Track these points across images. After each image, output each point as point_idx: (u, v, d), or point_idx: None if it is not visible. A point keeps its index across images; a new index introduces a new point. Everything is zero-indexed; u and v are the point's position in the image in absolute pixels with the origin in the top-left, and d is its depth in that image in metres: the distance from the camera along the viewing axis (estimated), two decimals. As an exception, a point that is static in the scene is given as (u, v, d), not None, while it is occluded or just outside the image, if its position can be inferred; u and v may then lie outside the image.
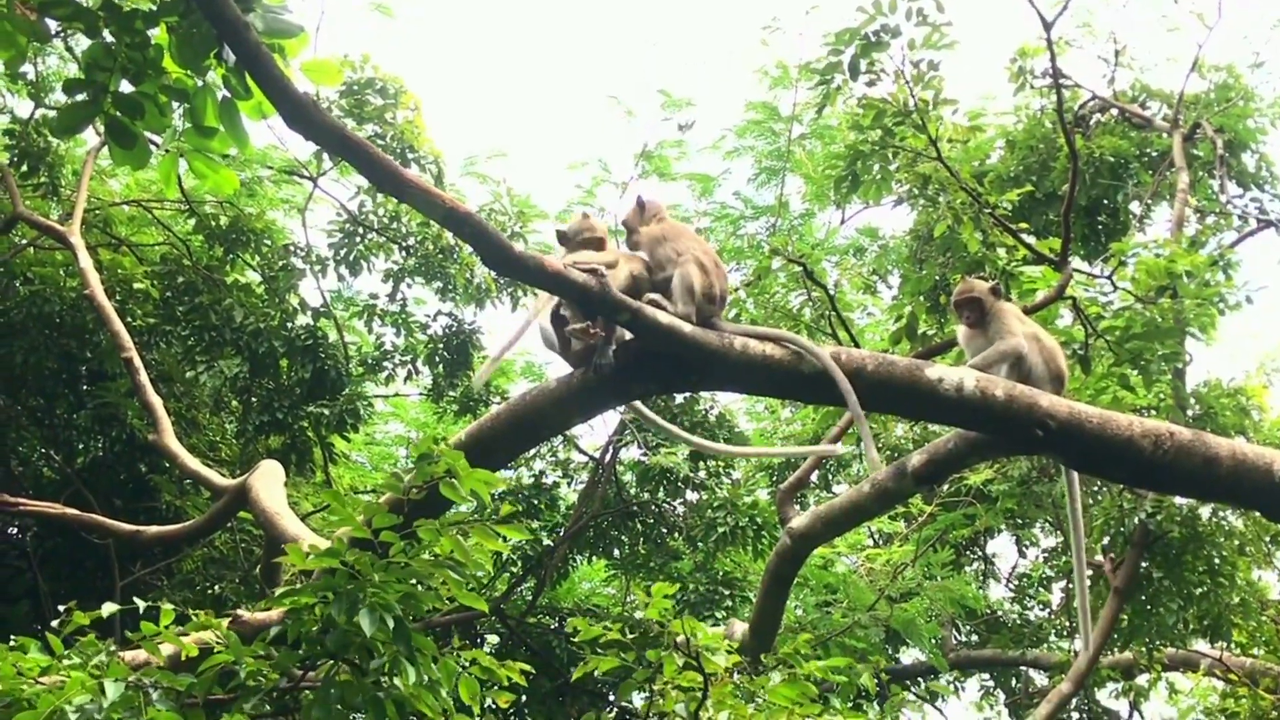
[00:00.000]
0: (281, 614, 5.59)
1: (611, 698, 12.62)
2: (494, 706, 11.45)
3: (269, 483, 7.84)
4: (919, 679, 15.99)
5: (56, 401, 12.43)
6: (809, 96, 11.21)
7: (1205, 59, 12.71)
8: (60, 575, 12.04)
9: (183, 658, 4.84)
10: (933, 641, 13.15)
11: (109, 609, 4.87)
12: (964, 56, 7.87)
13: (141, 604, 4.91)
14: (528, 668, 5.24)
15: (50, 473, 12.57)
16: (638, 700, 5.80)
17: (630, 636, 5.62)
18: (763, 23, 13.07)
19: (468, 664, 5.03)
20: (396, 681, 4.63)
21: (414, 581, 4.70)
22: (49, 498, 10.73)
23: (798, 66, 13.04)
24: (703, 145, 14.75)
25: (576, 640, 5.73)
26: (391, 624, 4.52)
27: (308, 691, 4.84)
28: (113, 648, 4.75)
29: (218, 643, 4.73)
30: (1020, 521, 13.96)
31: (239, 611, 6.08)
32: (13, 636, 4.88)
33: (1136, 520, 10.36)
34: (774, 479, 13.88)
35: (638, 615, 5.57)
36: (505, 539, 4.89)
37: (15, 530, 12.70)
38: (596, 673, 5.72)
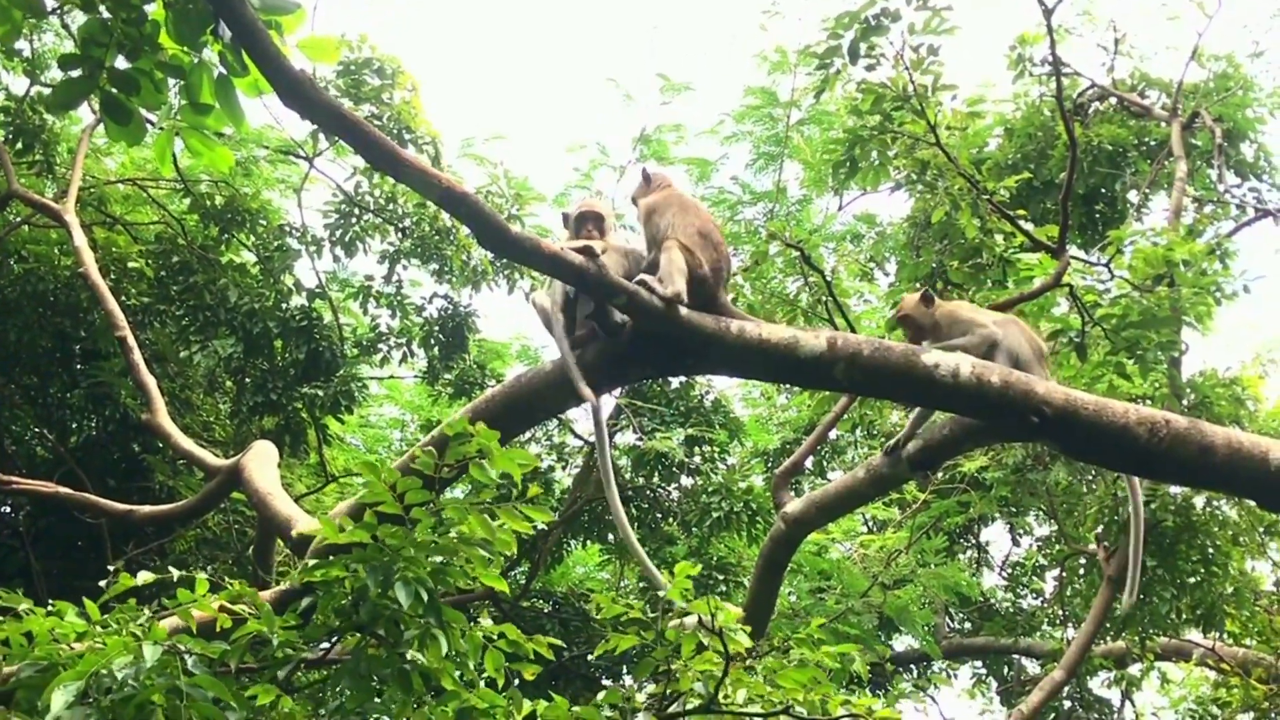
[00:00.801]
0: (275, 594, 5.58)
1: (606, 682, 12.63)
2: (519, 680, 11.55)
3: (262, 463, 7.82)
4: (912, 666, 16.01)
5: (50, 380, 12.41)
6: (808, 82, 11.19)
7: (1205, 48, 12.70)
8: (53, 554, 12.03)
9: (217, 628, 4.85)
10: (926, 628, 13.16)
11: (145, 577, 4.90)
12: (963, 43, 7.83)
13: (176, 573, 4.93)
14: (558, 642, 5.24)
15: (43, 452, 12.55)
16: (649, 686, 5.73)
17: (652, 615, 5.58)
18: (762, 7, 13.01)
19: (494, 637, 5.04)
20: (422, 655, 4.67)
21: (441, 559, 4.73)
22: (42, 477, 10.71)
23: (797, 51, 13.02)
24: (701, 130, 14.73)
25: (600, 617, 5.69)
26: (425, 597, 4.56)
27: (331, 666, 4.88)
28: (150, 614, 4.74)
29: (250, 613, 4.74)
30: (1014, 509, 13.97)
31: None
32: (50, 601, 4.88)
33: (1131, 509, 10.35)
34: (769, 464, 13.88)
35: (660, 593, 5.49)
36: (531, 520, 4.90)
37: (8, 509, 12.68)
38: (616, 651, 5.67)
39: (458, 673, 4.83)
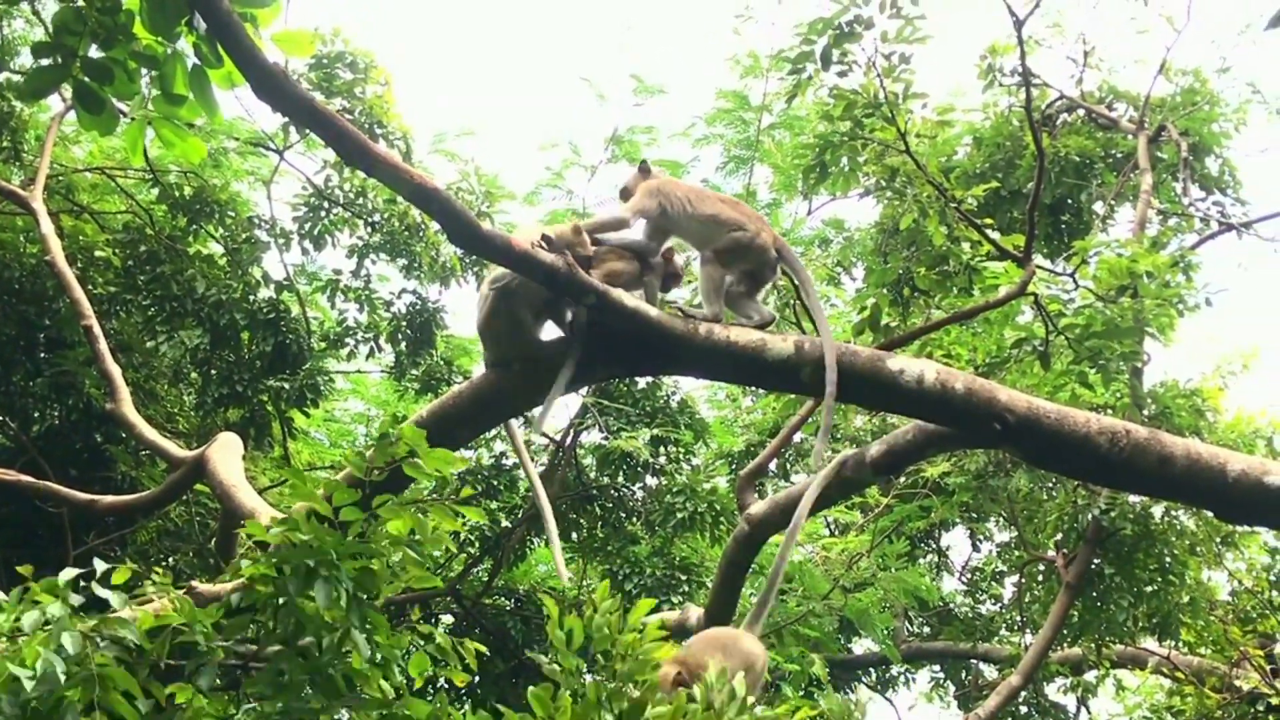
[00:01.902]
0: (236, 586, 5.57)
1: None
2: (448, 686, 11.53)
3: (227, 455, 7.81)
4: (870, 669, 16.10)
5: (13, 368, 12.31)
6: (780, 86, 11.24)
7: (1172, 62, 12.84)
8: (13, 543, 11.92)
9: (140, 625, 4.78)
10: (886, 632, 13.24)
11: (67, 575, 4.81)
12: (935, 51, 7.88)
13: (101, 565, 4.85)
14: (482, 649, 5.21)
15: (5, 440, 12.45)
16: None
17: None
18: (735, 11, 13.07)
19: (422, 640, 5.00)
20: (347, 658, 4.60)
21: (370, 559, 4.66)
22: (3, 465, 10.61)
23: (769, 56, 13.08)
24: (673, 132, 14.79)
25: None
26: (344, 598, 4.48)
27: (258, 664, 4.80)
28: (68, 605, 4.66)
29: (172, 609, 4.68)
30: (975, 515, 14.07)
31: (194, 583, 6.05)
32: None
33: (1090, 517, 10.46)
34: (733, 466, 13.93)
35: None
36: (463, 519, 4.88)
37: (-32, 496, 12.59)
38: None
39: (385, 678, 4.76)
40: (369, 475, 4.74)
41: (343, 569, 4.52)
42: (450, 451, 4.85)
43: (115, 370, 9.39)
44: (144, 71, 5.59)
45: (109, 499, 9.26)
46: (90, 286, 11.60)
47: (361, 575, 4.59)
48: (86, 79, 5.32)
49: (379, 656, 4.61)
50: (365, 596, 4.61)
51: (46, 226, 10.44)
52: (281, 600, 4.56)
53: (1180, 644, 11.67)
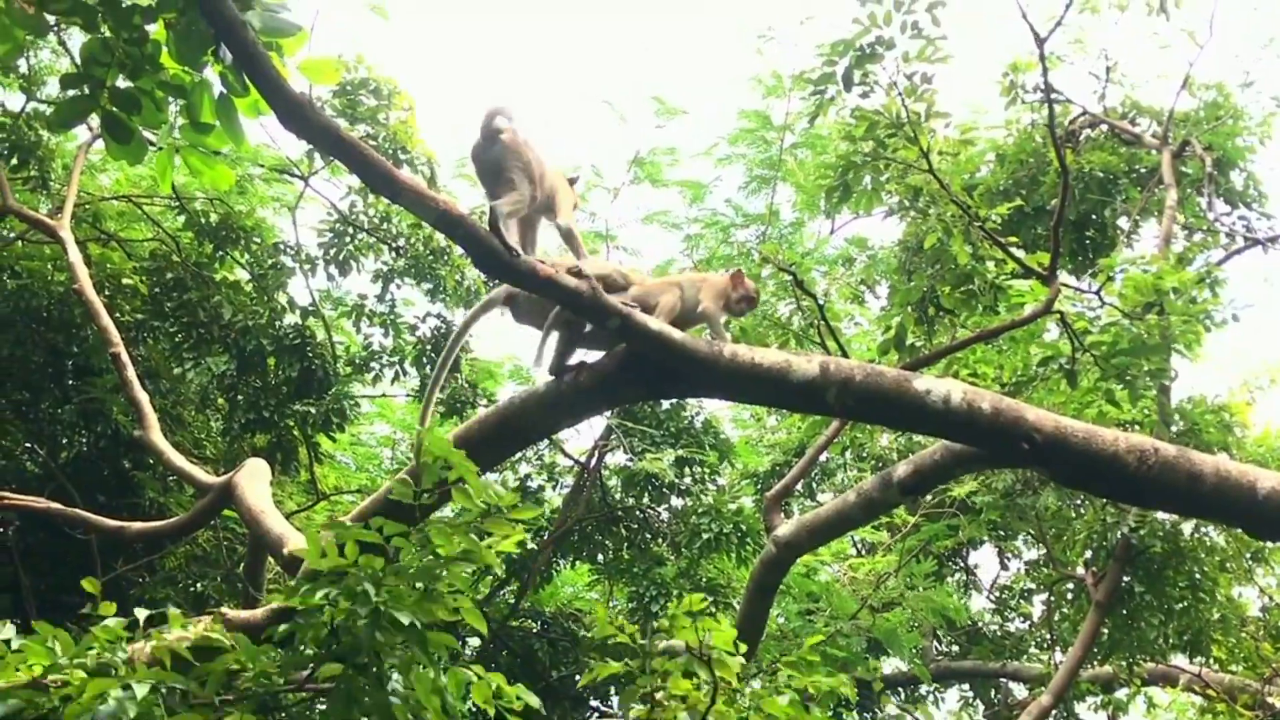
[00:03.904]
0: (267, 612, 5.58)
1: (594, 703, 12.63)
2: (475, 709, 11.51)
3: (254, 481, 7.83)
4: (900, 689, 16.03)
5: (42, 396, 12.39)
6: (802, 106, 11.25)
7: (1195, 77, 12.80)
8: (43, 570, 12.00)
9: (192, 658, 4.80)
10: (914, 651, 13.19)
11: (114, 619, 4.84)
12: (956, 70, 7.88)
13: (142, 613, 4.87)
14: (532, 701, 5.17)
15: (34, 467, 12.52)
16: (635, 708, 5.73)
17: (640, 643, 5.61)
18: (758, 32, 13.10)
19: (478, 676, 4.99)
20: (400, 685, 4.60)
21: (423, 586, 4.67)
22: (32, 492, 10.67)
23: (791, 76, 13.10)
24: (695, 152, 14.80)
25: (592, 636, 5.70)
26: (406, 625, 4.50)
27: (310, 694, 4.80)
28: (127, 646, 4.69)
29: (227, 643, 4.70)
30: (1003, 534, 14.01)
31: (223, 609, 6.07)
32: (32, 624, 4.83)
33: (1119, 534, 10.41)
34: (759, 486, 13.91)
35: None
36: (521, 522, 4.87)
37: (-2, 524, 12.66)
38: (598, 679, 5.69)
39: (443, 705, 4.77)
40: (419, 500, 4.74)
41: (403, 596, 4.52)
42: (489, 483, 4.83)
43: (143, 397, 9.43)
44: (171, 101, 5.63)
45: (137, 525, 9.28)
46: (117, 314, 11.68)
47: (419, 603, 4.59)
48: (115, 109, 5.36)
49: (430, 686, 4.61)
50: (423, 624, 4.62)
51: (74, 255, 10.52)
52: (336, 626, 4.57)
53: (1211, 661, 11.60)
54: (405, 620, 4.48)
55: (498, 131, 6.08)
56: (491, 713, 5.07)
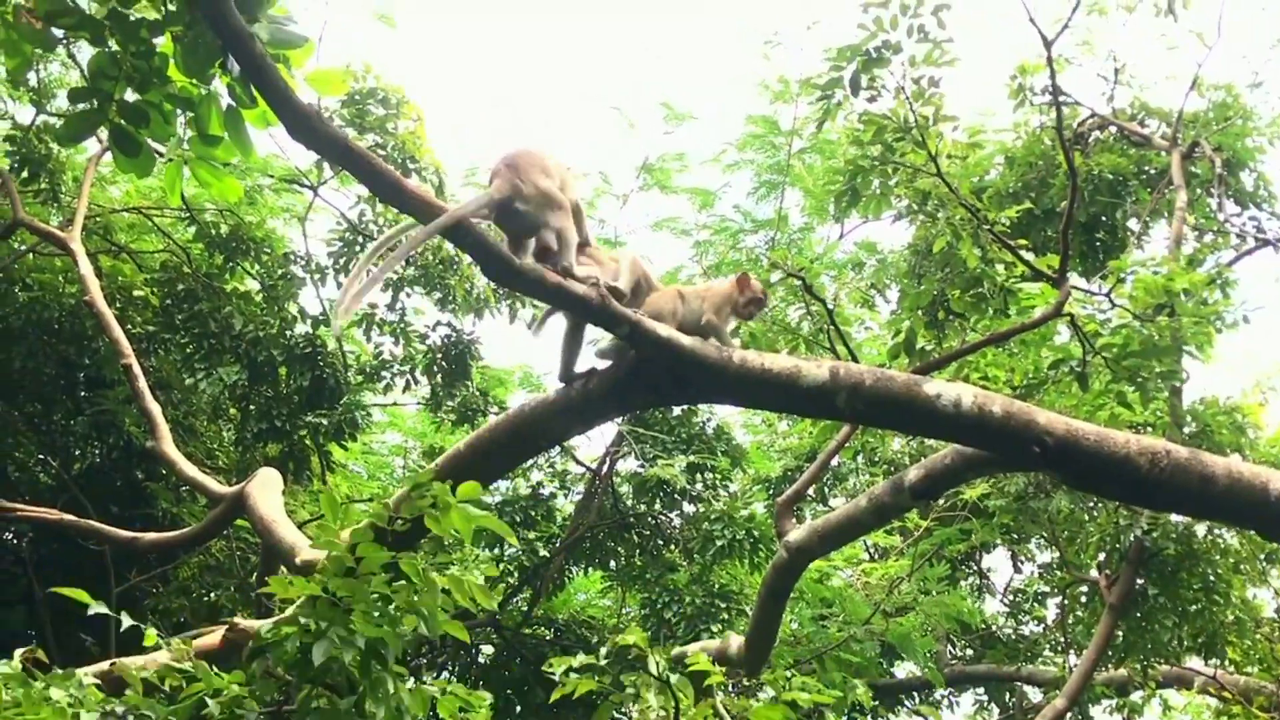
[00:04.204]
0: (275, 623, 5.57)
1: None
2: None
3: (266, 490, 7.85)
4: (914, 693, 16.00)
5: (54, 407, 12.44)
6: (809, 111, 11.25)
7: (1204, 78, 12.77)
8: (56, 581, 11.93)
9: (166, 685, 4.77)
10: (928, 656, 13.16)
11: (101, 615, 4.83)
12: (964, 73, 7.88)
13: (128, 620, 4.86)
14: (487, 698, 5.20)
15: (47, 479, 12.57)
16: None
17: (605, 661, 5.64)
18: (764, 37, 13.10)
19: (440, 691, 4.97)
20: (378, 708, 4.57)
21: (395, 610, 4.64)
22: (46, 504, 10.73)
23: (798, 81, 13.09)
24: (703, 158, 14.80)
25: (547, 670, 5.74)
26: (351, 654, 4.47)
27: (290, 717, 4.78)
28: (89, 678, 4.65)
29: (194, 668, 4.67)
30: (1016, 537, 13.98)
31: (236, 619, 6.08)
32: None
33: (1132, 537, 10.38)
34: (771, 491, 13.91)
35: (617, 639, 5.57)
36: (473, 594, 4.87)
37: (11, 536, 12.70)
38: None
39: None
40: (391, 525, 4.73)
41: (357, 629, 4.51)
42: (474, 508, 4.79)
43: (155, 408, 9.46)
44: (179, 113, 5.65)
45: (150, 536, 9.32)
46: (129, 325, 11.72)
47: (381, 631, 4.57)
48: (123, 122, 5.38)
49: (397, 709, 4.59)
50: (393, 646, 4.60)
51: (85, 267, 10.55)
52: (297, 655, 4.56)
53: (1226, 663, 11.56)
54: (365, 639, 4.47)
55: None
56: None
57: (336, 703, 4.55)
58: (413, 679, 4.90)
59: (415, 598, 4.64)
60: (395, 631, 4.61)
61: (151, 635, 4.80)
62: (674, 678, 5.51)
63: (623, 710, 5.72)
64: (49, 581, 11.92)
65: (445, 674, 13.35)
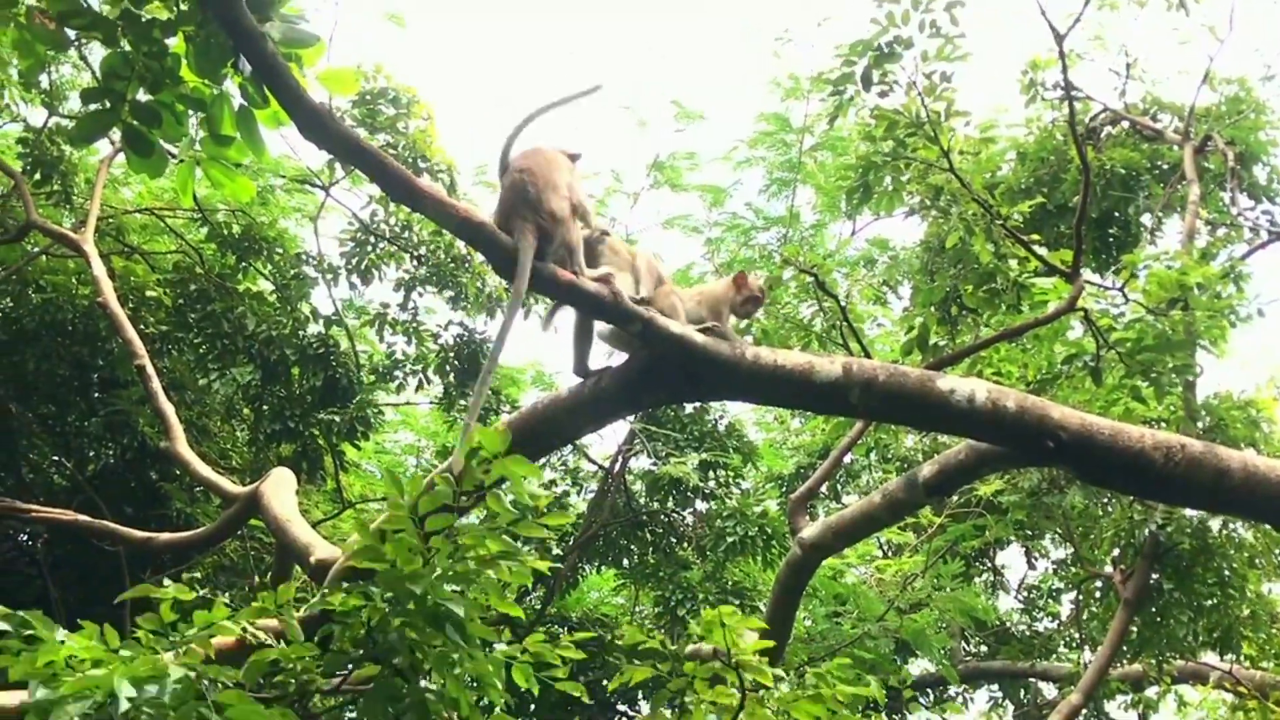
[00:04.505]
0: (315, 614, 5.54)
1: (621, 708, 12.62)
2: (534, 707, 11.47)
3: (280, 490, 7.85)
4: (928, 690, 15.98)
5: (68, 408, 12.47)
6: (821, 108, 11.23)
7: (1217, 72, 12.74)
8: (71, 582, 12.08)
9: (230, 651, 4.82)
10: (942, 652, 13.14)
11: (167, 592, 4.86)
12: (976, 68, 7.86)
13: (196, 592, 4.89)
14: (575, 653, 5.17)
15: (61, 480, 12.60)
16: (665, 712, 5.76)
17: (671, 648, 5.63)
18: (775, 34, 13.09)
19: (518, 655, 4.98)
20: (432, 684, 4.58)
21: (458, 587, 4.63)
22: (60, 505, 10.75)
23: (810, 78, 13.08)
24: (714, 156, 14.78)
25: (623, 643, 5.71)
26: (445, 622, 4.48)
27: (350, 693, 4.83)
28: (169, 641, 4.69)
29: (265, 640, 4.70)
30: (1030, 533, 13.96)
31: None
32: (78, 620, 4.84)
33: (1147, 532, 10.36)
34: (783, 489, 13.89)
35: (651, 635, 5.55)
36: (550, 528, 4.85)
37: (26, 537, 12.73)
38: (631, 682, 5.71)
39: (478, 698, 4.78)
40: (457, 501, 4.72)
41: (440, 594, 4.52)
42: (530, 471, 4.78)
43: (169, 408, 9.47)
44: (191, 113, 5.66)
45: (165, 536, 9.32)
46: (142, 326, 11.74)
47: (454, 601, 4.58)
48: (135, 123, 5.39)
49: (473, 677, 4.61)
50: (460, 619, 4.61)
51: (98, 268, 10.57)
52: (372, 626, 4.57)
53: (1242, 658, 11.53)
54: (459, 610, 4.46)
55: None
56: (536, 691, 5.07)
57: (411, 676, 4.55)
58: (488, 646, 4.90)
59: (485, 565, 4.63)
60: (472, 599, 4.61)
61: (221, 604, 4.81)
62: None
63: (683, 699, 5.68)
64: (64, 583, 11.98)
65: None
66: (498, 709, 4.89)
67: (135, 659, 4.38)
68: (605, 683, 12.24)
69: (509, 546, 4.67)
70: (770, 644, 5.65)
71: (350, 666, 4.79)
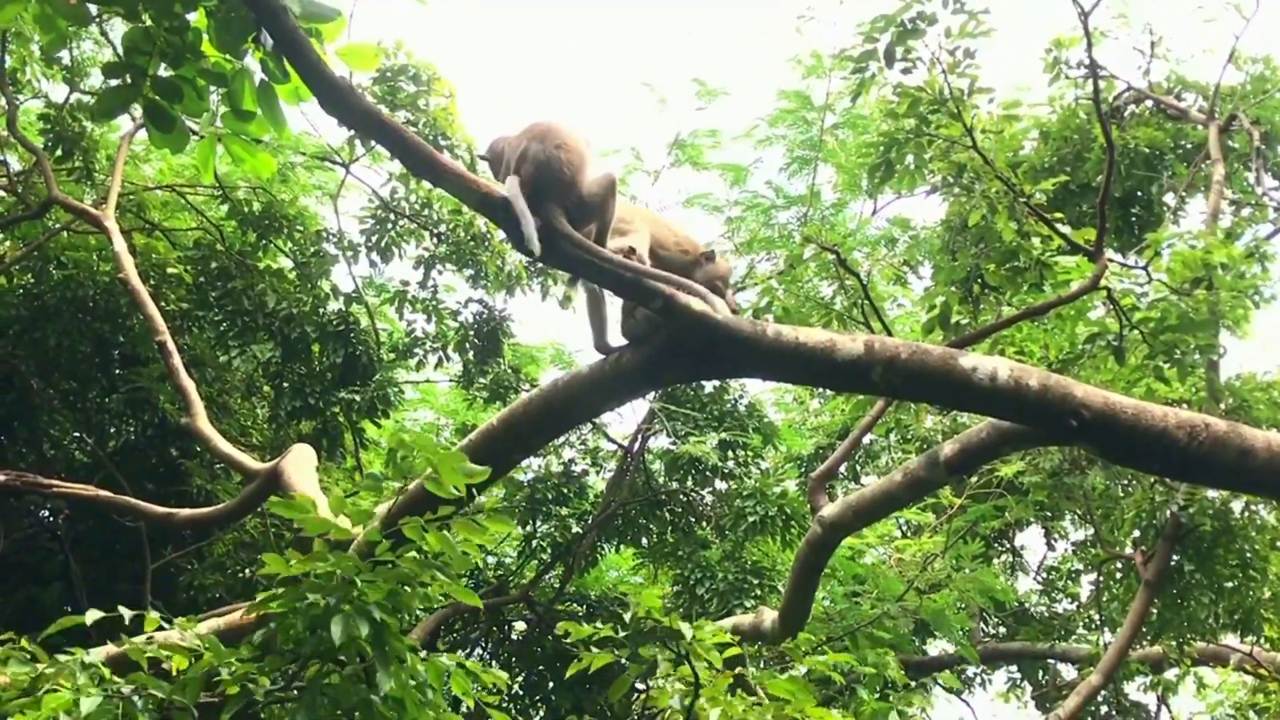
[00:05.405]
0: (258, 621, 5.52)
1: (640, 686, 12.62)
2: (522, 691, 11.50)
3: (301, 466, 7.86)
4: (947, 670, 15.97)
5: (89, 385, 12.50)
6: (842, 85, 11.17)
7: (1242, 50, 12.64)
8: (92, 558, 12.12)
9: (171, 669, 4.75)
10: (961, 633, 13.12)
11: (92, 615, 4.83)
12: (999, 45, 7.82)
13: (127, 612, 4.86)
14: (502, 676, 5.17)
15: (82, 456, 12.64)
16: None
17: (622, 634, 5.64)
18: (797, 11, 13.03)
19: (454, 666, 4.96)
20: (389, 681, 4.54)
21: (400, 582, 4.60)
22: (81, 481, 10.76)
23: (831, 55, 13.01)
24: (735, 134, 14.73)
25: (567, 641, 5.74)
26: (366, 629, 4.43)
27: (294, 695, 4.71)
28: (91, 658, 4.65)
29: (202, 647, 4.66)
30: (1050, 514, 13.92)
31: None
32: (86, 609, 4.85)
33: (1168, 513, 10.32)
34: (803, 469, 13.88)
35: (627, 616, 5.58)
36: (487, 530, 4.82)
37: (47, 513, 12.78)
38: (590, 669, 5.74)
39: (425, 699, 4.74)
40: (397, 500, 4.69)
41: (368, 598, 4.48)
42: (476, 466, 4.73)
43: (189, 385, 9.48)
44: (212, 89, 5.64)
45: (186, 512, 9.34)
46: (163, 303, 11.76)
47: (389, 600, 4.54)
48: (157, 98, 5.37)
49: (406, 682, 4.57)
50: (397, 622, 4.57)
51: (119, 245, 10.58)
52: (306, 632, 4.54)
53: (1263, 640, 11.49)
54: (376, 614, 4.44)
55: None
56: (471, 704, 5.06)
57: (343, 677, 4.52)
58: (426, 651, 4.88)
59: (419, 567, 4.60)
60: (402, 601, 4.59)
61: (153, 619, 4.79)
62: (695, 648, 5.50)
63: (647, 683, 5.72)
64: (85, 559, 12.03)
65: (478, 650, 13.41)
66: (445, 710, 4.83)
67: (60, 688, 4.34)
68: (624, 662, 12.32)
69: (446, 543, 4.61)
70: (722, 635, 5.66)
71: (295, 668, 4.72)
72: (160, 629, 4.87)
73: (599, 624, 5.67)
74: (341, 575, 4.52)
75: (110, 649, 5.11)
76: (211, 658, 4.60)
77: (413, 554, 4.62)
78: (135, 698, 4.38)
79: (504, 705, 11.29)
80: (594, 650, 5.65)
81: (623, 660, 5.66)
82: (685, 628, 5.40)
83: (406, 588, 4.62)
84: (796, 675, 5.79)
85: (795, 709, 5.53)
